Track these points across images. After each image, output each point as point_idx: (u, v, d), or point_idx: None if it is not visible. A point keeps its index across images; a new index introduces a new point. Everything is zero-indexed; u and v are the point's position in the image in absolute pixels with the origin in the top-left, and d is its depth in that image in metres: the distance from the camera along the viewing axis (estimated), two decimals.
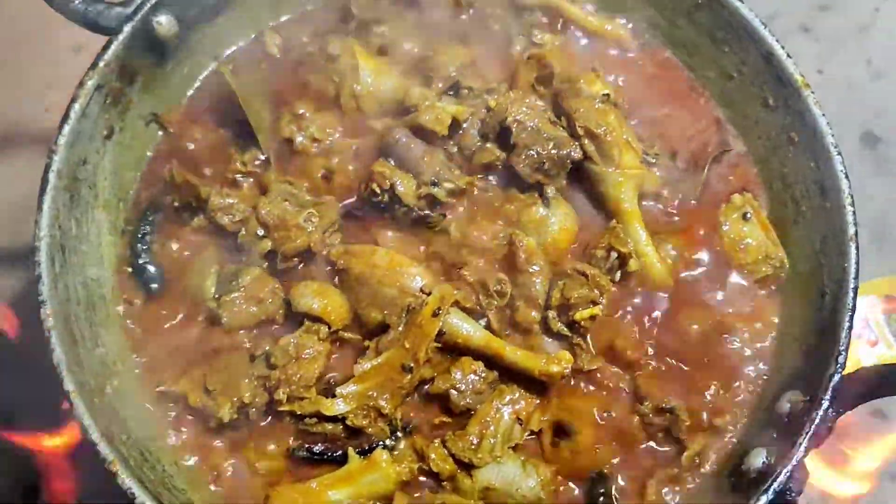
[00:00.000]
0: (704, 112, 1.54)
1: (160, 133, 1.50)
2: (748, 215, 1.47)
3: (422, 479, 1.41)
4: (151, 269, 1.42)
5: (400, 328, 1.39)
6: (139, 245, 1.42)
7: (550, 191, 1.43)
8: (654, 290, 1.47)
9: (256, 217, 1.40)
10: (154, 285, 1.43)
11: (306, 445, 1.41)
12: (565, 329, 1.44)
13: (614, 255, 1.44)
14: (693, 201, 1.49)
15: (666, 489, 1.41)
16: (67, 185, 1.31)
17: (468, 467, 1.40)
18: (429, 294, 1.35)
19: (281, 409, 1.39)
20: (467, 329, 1.41)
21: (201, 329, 1.43)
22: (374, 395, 1.39)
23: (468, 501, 1.39)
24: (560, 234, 1.44)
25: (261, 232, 1.41)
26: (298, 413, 1.39)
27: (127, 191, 1.46)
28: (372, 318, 1.43)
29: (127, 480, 1.23)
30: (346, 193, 1.50)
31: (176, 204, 1.43)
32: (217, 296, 1.39)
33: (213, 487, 1.40)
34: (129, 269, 1.43)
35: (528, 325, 1.44)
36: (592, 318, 1.42)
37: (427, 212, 1.42)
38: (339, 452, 1.40)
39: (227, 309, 1.40)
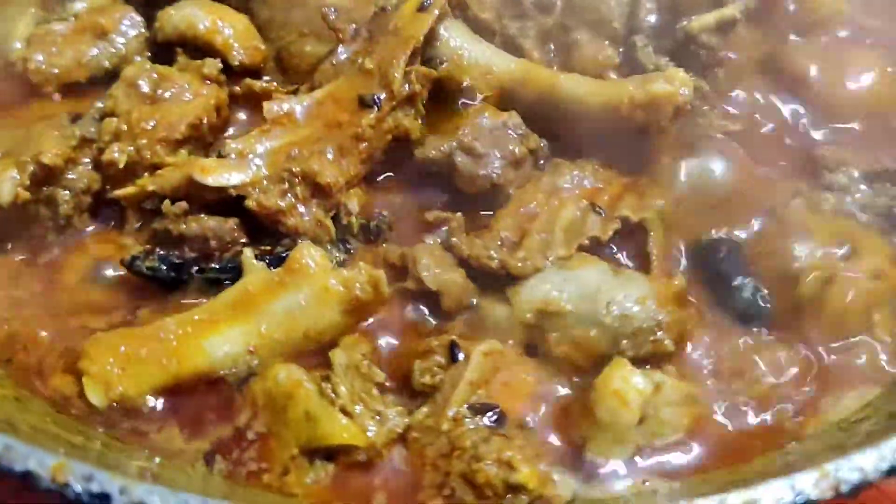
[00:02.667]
0: None
1: None
2: None
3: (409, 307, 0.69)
4: None
5: (360, 40, 0.74)
6: None
7: None
8: None
9: None
10: None
11: (160, 253, 0.68)
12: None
13: None
14: None
15: None
16: None
17: (501, 281, 0.66)
18: None
19: (114, 193, 0.70)
20: (479, 54, 0.75)
21: None
22: (303, 154, 0.69)
23: (497, 347, 0.64)
24: None
25: None
26: (151, 189, 0.68)
27: None
28: (306, 56, 0.77)
29: None
30: None
31: None
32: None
33: None
34: None
35: (601, 68, 0.79)
36: None
37: None
38: (225, 263, 0.67)
39: (38, 47, 0.77)
